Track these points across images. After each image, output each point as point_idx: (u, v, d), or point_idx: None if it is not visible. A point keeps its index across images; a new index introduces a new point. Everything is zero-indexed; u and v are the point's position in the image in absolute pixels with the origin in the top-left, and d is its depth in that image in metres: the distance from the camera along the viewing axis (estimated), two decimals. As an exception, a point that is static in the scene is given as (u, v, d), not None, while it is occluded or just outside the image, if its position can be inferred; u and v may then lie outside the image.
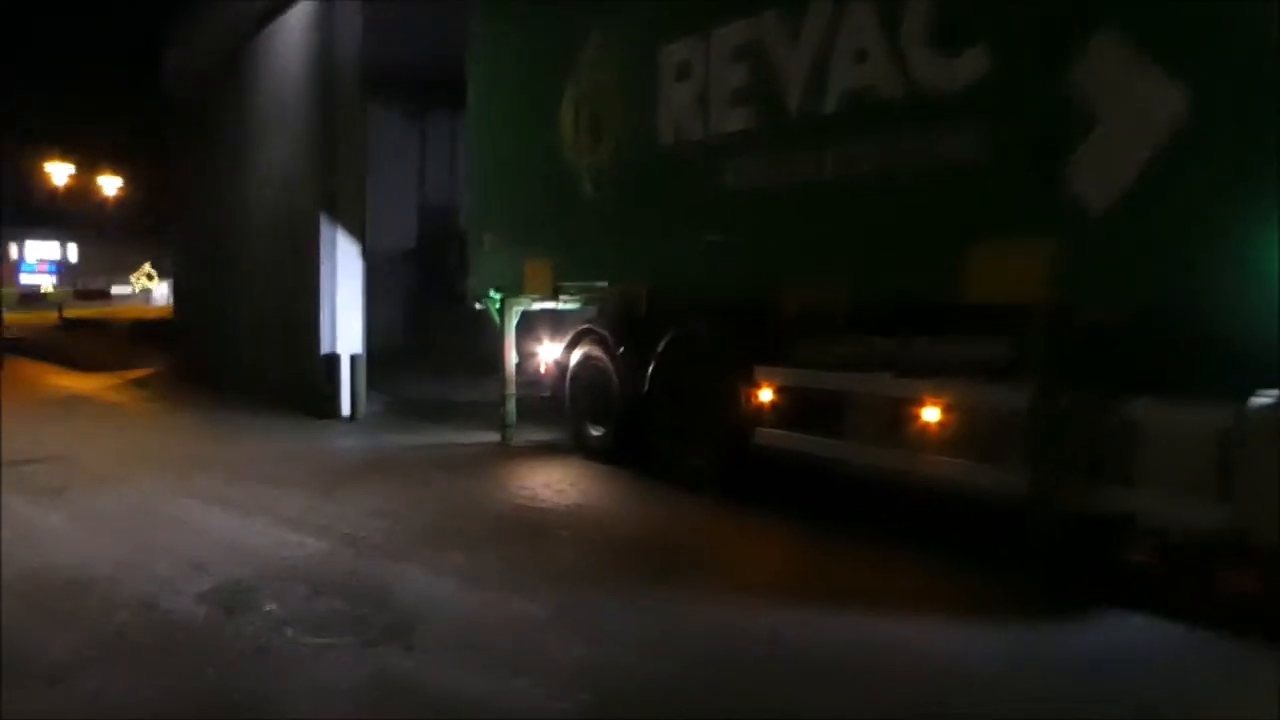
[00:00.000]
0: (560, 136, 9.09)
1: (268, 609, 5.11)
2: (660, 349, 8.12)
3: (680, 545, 6.49)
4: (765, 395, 7.14)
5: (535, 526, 6.92)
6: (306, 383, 11.62)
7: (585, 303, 9.58)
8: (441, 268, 16.83)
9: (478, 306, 10.66)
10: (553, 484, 8.16)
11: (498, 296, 10.17)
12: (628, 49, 8.32)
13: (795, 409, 6.97)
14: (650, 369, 8.23)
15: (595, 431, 9.07)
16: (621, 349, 8.67)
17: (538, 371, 10.01)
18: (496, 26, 10.18)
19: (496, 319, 10.29)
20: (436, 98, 15.12)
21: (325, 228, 11.31)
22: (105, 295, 48.79)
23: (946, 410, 5.87)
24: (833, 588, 5.54)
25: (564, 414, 9.56)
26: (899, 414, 6.18)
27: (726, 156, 7.28)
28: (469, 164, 10.62)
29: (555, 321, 10.28)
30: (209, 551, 6.10)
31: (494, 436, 10.18)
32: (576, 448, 9.30)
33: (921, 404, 6.01)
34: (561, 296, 9.45)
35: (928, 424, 5.98)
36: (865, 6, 6.21)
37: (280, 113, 12.25)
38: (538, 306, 10.06)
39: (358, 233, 11.51)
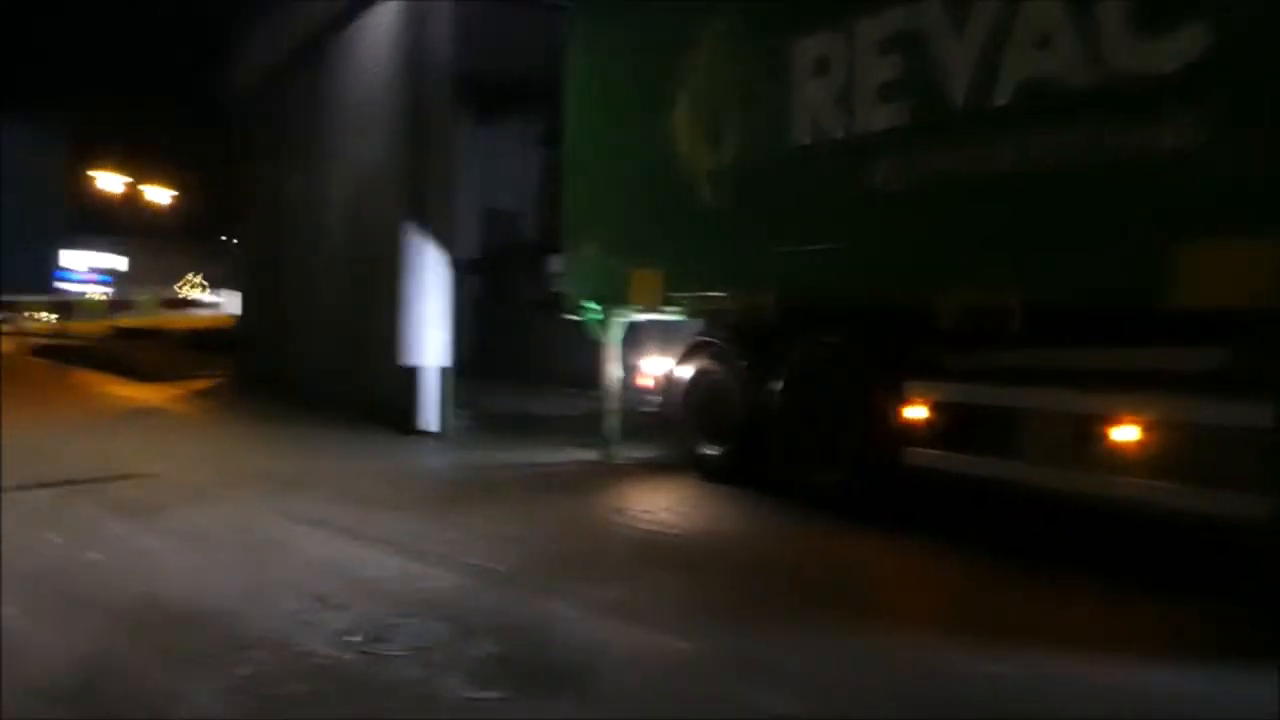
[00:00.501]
0: (673, 141, 8.58)
1: (417, 651, 4.60)
2: (791, 362, 7.57)
3: (838, 572, 5.93)
4: (917, 412, 6.57)
5: (674, 553, 6.39)
6: (386, 396, 11.17)
7: (693, 314, 9.05)
8: (508, 277, 16.45)
9: (573, 318, 10.19)
10: (674, 506, 7.64)
11: (597, 307, 9.69)
12: (751, 46, 7.81)
13: (954, 427, 6.40)
14: (779, 383, 7.68)
15: (711, 450, 8.52)
16: (744, 362, 8.13)
17: (643, 386, 9.49)
18: (596, 27, 9.73)
19: (595, 330, 9.82)
20: (502, 103, 14.72)
21: (412, 235, 10.85)
22: (192, 304, 48.01)
23: (1152, 427, 5.27)
24: (1028, 621, 4.97)
25: (673, 431, 9.03)
26: (1088, 432, 5.60)
27: (874, 154, 6.74)
28: (565, 171, 10.11)
29: (660, 334, 9.77)
30: (330, 582, 5.61)
31: (593, 454, 9.68)
32: (688, 466, 8.76)
33: (1120, 421, 5.41)
34: (671, 307, 8.93)
35: (1126, 443, 5.38)
36: None
37: (362, 115, 11.84)
38: (643, 318, 9.55)
39: (445, 242, 11.06)
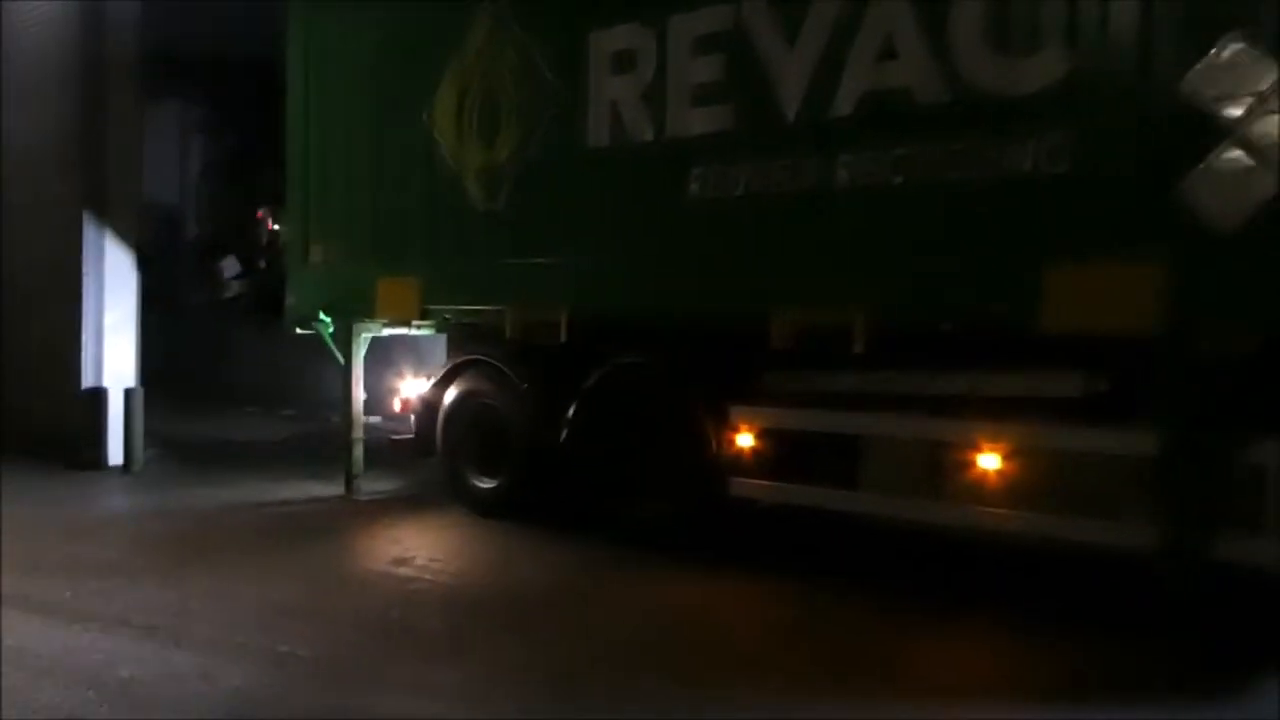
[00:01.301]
0: (435, 133, 7.62)
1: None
2: (589, 385, 6.89)
3: (679, 622, 5.31)
4: (744, 439, 6.14)
5: (486, 613, 5.48)
6: (52, 425, 9.15)
7: (454, 329, 8.12)
8: (170, 278, 14.44)
9: (299, 331, 8.86)
10: (460, 551, 6.74)
11: (327, 320, 8.46)
12: (534, 34, 7.03)
13: (785, 455, 6.05)
14: (572, 408, 6.97)
15: (483, 482, 7.63)
16: (524, 384, 7.32)
17: (390, 409, 8.40)
18: (327, 3, 8.48)
19: (331, 345, 8.58)
20: (162, 85, 12.77)
21: (90, 229, 8.94)
22: None
23: (1019, 454, 5.15)
24: (896, 666, 4.65)
25: (428, 461, 8.03)
26: (944, 460, 5.43)
27: (690, 161, 6.22)
28: (289, 166, 8.75)
29: (408, 350, 8.73)
30: (62, 692, 4.22)
31: (330, 488, 8.44)
32: (451, 500, 7.80)
33: (981, 447, 5.26)
34: (427, 321, 7.95)
35: (989, 471, 5.24)
36: (896, 5, 5.41)
37: (30, 86, 9.59)
38: (391, 332, 8.44)
39: (131, 237, 9.23)
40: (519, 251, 7.18)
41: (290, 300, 8.80)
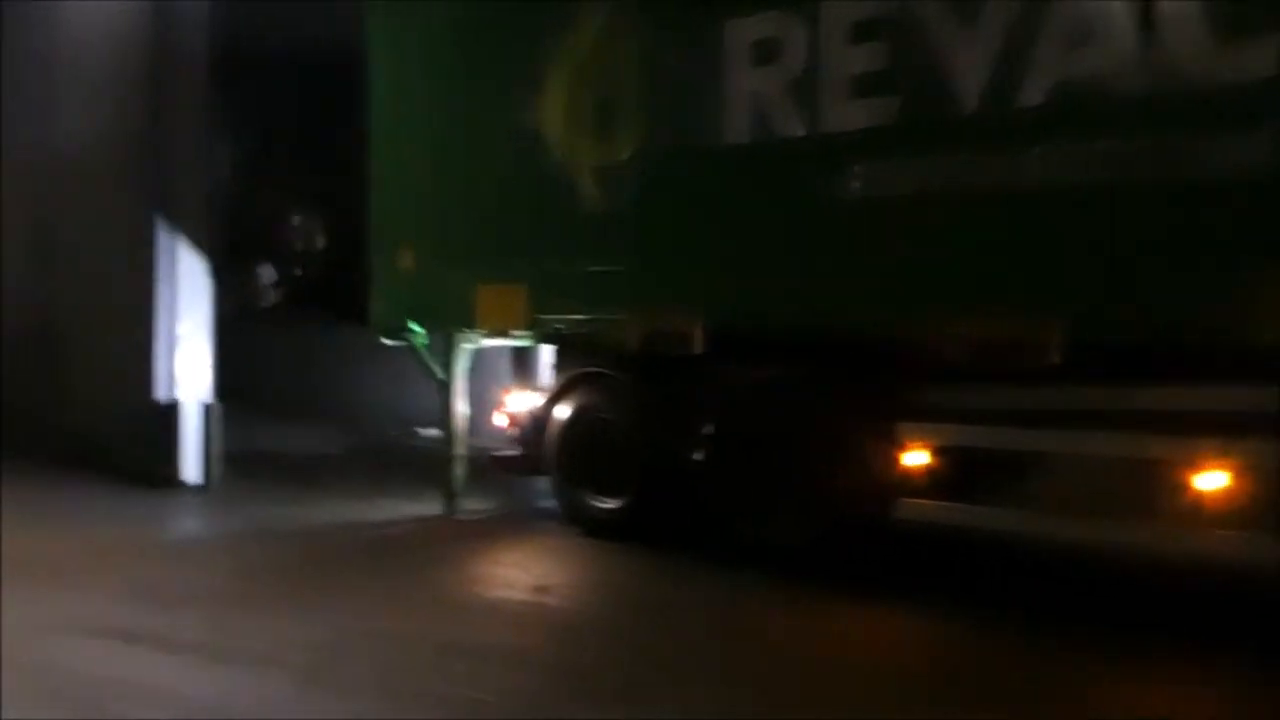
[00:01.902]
0: (540, 132, 7.21)
1: None
2: (728, 400, 6.47)
3: (872, 663, 4.91)
4: (914, 458, 5.74)
5: (645, 649, 5.00)
6: (122, 440, 8.73)
7: (567, 340, 7.66)
8: (250, 285, 14.00)
9: (388, 341, 8.45)
10: (590, 578, 6.36)
11: (420, 331, 8.06)
12: (661, 24, 6.63)
13: (961, 474, 5.63)
14: (710, 426, 6.55)
15: (603, 503, 7.20)
16: (651, 399, 6.91)
17: (493, 425, 7.98)
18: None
19: (424, 356, 8.18)
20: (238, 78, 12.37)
21: (161, 234, 8.51)
22: None
23: (1233, 472, 4.76)
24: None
25: (538, 479, 7.61)
26: (1143, 479, 5.03)
27: (848, 158, 5.82)
28: (374, 165, 8.34)
29: (508, 362, 8.32)
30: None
31: (424, 507, 8.04)
32: (568, 521, 7.39)
33: (1193, 466, 4.86)
34: (533, 331, 7.52)
35: (1199, 491, 4.85)
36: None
37: (93, 87, 9.15)
38: (491, 343, 8.03)
39: (203, 243, 8.80)
40: (642, 256, 6.78)
41: (376, 308, 8.39)
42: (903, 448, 5.78)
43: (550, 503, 7.77)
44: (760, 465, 6.38)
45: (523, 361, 8.14)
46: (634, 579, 6.31)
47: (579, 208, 7.06)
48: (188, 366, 8.71)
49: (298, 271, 15.39)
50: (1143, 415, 5.11)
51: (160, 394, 8.59)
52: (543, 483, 7.87)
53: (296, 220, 15.80)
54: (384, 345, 13.17)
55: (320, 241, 16.10)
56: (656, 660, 4.90)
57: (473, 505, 8.01)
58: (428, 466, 10.19)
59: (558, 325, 7.34)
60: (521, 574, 6.39)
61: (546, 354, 8.11)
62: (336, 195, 15.03)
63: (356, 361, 13.23)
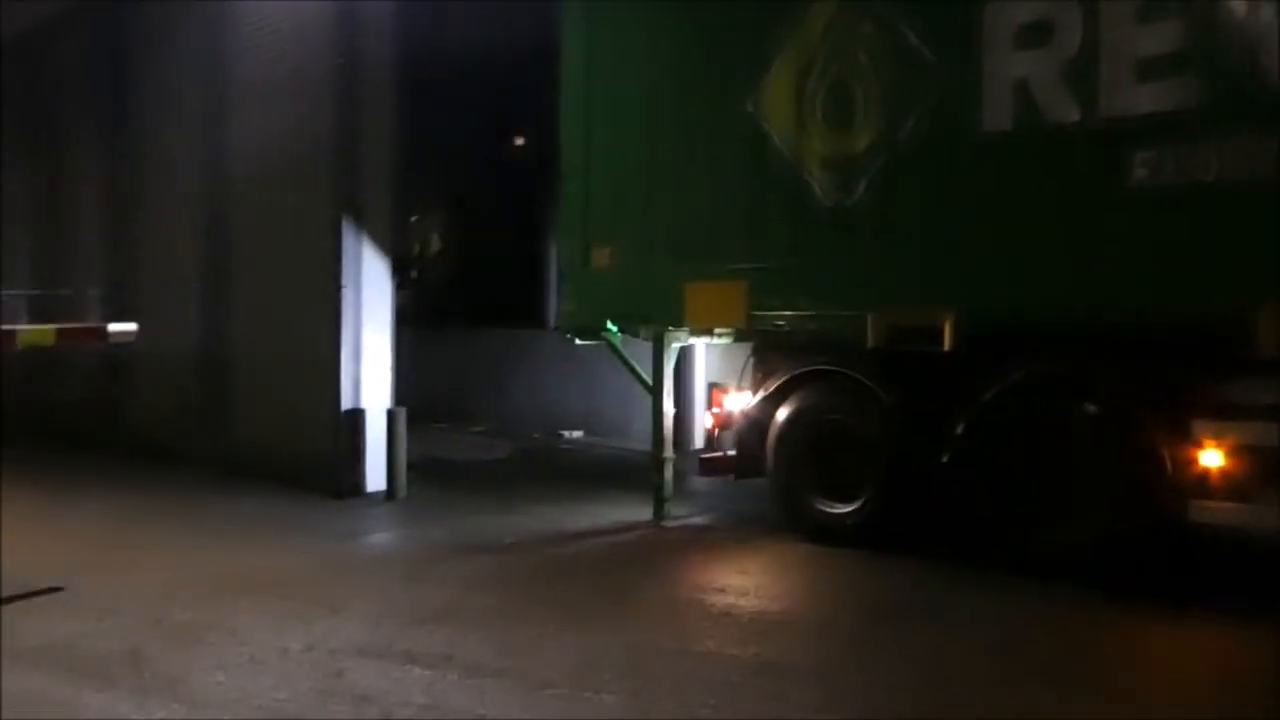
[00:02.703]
0: (763, 123, 7.07)
1: None
2: (987, 398, 6.24)
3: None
4: (1210, 457, 5.49)
5: (921, 663, 4.79)
6: (314, 449, 8.65)
7: (788, 336, 7.42)
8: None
9: (579, 341, 8.34)
10: (831, 588, 6.10)
11: (615, 329, 7.93)
12: (908, 8, 6.42)
13: (1262, 475, 5.37)
14: (961, 425, 6.33)
15: (832, 508, 7.01)
16: (892, 398, 6.69)
17: (705, 428, 7.81)
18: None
19: (624, 356, 8.08)
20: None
21: (349, 239, 8.42)
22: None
23: None
24: None
25: (769, 484, 7.39)
26: None
27: (1134, 144, 5.58)
28: (565, 162, 8.24)
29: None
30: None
31: (630, 512, 7.89)
32: (790, 527, 7.18)
33: None
34: (757, 327, 7.32)
35: None
36: None
37: (267, 89, 9.11)
38: (703, 341, 7.89)
39: (387, 245, 8.71)
40: (883, 250, 6.59)
41: (568, 307, 8.32)
42: (1198, 446, 5.54)
43: (760, 507, 7.62)
44: (1015, 466, 6.15)
45: (734, 362, 7.92)
46: (876, 589, 6.06)
47: (808, 201, 6.89)
48: (373, 373, 8.61)
49: (414, 275, 15.39)
50: None
51: (346, 402, 8.48)
52: (751, 486, 7.69)
53: (414, 223, 15.82)
54: (519, 347, 13.37)
55: (437, 244, 16.12)
56: (949, 669, 4.70)
57: (679, 510, 7.83)
58: (604, 469, 10.27)
59: (779, 322, 7.15)
60: (750, 581, 6.22)
61: (751, 353, 7.91)
62: (461, 197, 15.13)
63: (492, 364, 13.21)
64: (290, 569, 6.47)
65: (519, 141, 13.84)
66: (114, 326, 6.52)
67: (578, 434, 12.40)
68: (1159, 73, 5.53)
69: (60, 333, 6.13)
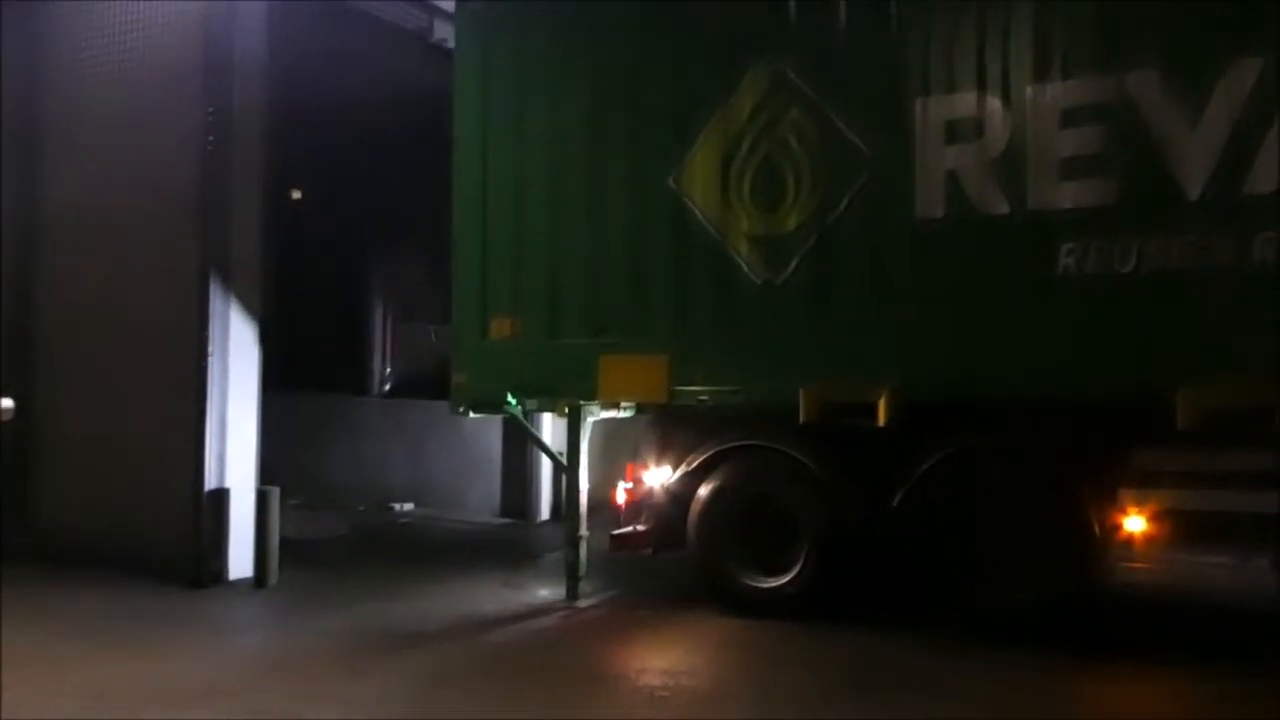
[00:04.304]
0: (685, 199, 7.33)
1: None
2: (924, 469, 6.71)
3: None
4: (1134, 524, 6.20)
5: None
6: (166, 532, 7.91)
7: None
8: None
9: (469, 414, 8.22)
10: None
11: (515, 402, 7.87)
12: (835, 98, 6.90)
13: (1182, 537, 6.15)
14: (898, 496, 6.76)
15: (761, 581, 7.24)
16: (824, 470, 7.03)
17: (615, 501, 7.82)
18: (520, 38, 8.06)
19: (528, 428, 8.10)
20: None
21: (216, 298, 7.84)
22: None
23: None
24: None
25: (694, 558, 7.51)
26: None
27: (1060, 235, 6.28)
28: (457, 227, 8.14)
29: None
30: None
31: (525, 594, 7.78)
32: (718, 601, 7.33)
33: None
34: (678, 401, 7.44)
35: None
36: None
37: (106, 127, 8.34)
38: (607, 415, 7.94)
39: (255, 306, 8.16)
40: (816, 327, 6.98)
41: (461, 379, 8.13)
42: (1123, 512, 6.25)
43: (664, 582, 7.76)
44: (963, 535, 6.65)
45: (647, 436, 7.99)
46: (830, 658, 6.35)
47: (735, 277, 7.19)
48: (238, 449, 8.02)
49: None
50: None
51: (209, 480, 7.85)
52: (661, 562, 7.81)
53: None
54: (340, 413, 12.75)
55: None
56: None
57: (585, 587, 7.79)
58: (465, 544, 10.02)
59: (702, 397, 7.37)
60: (688, 660, 6.39)
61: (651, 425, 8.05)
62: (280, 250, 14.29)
63: (309, 430, 12.53)
64: (210, 673, 5.93)
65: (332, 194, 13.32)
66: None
67: (408, 506, 12.04)
68: (1081, 172, 6.30)
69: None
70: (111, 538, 8.16)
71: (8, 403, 5.83)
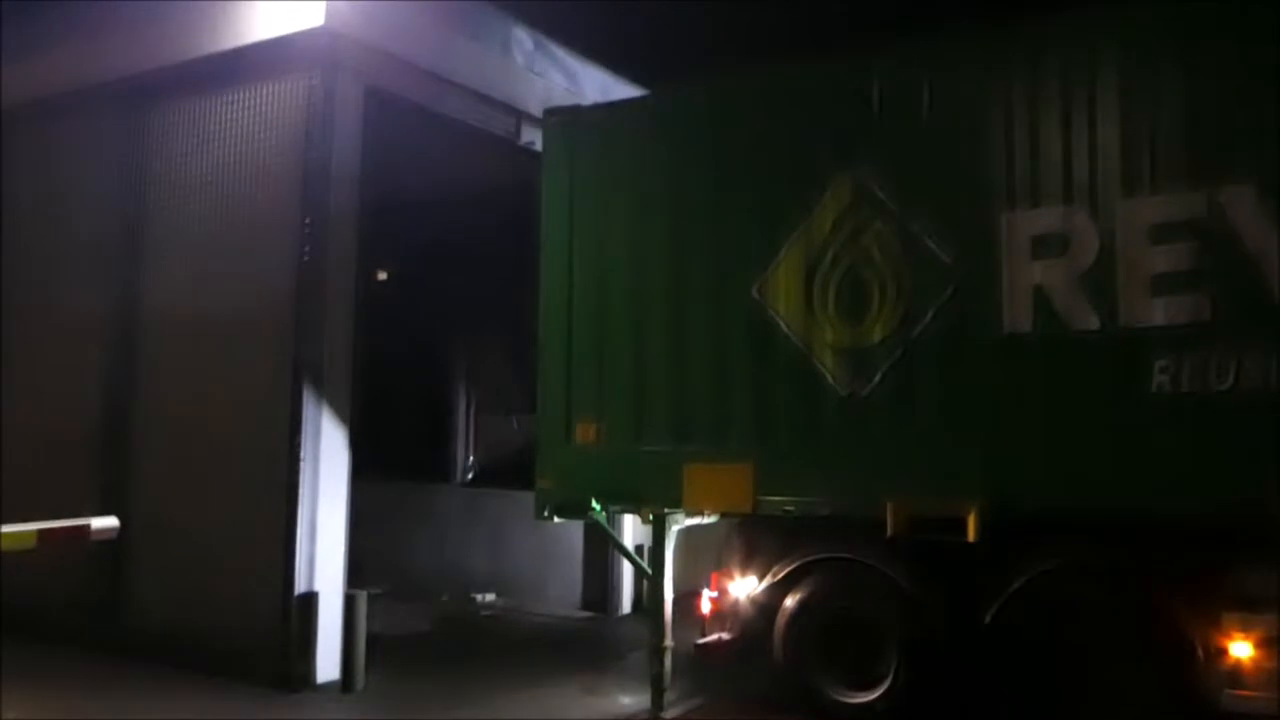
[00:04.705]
0: (770, 309, 7.41)
1: None
2: (1018, 587, 6.62)
3: None
4: (1240, 648, 6.03)
5: None
6: (258, 635, 8.10)
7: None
8: None
9: (556, 519, 8.29)
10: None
11: (599, 508, 7.95)
12: (918, 210, 6.95)
13: (1291, 666, 5.97)
14: (992, 612, 6.67)
15: (850, 697, 7.19)
16: (912, 586, 6.98)
17: (700, 610, 7.83)
18: (612, 149, 8.24)
19: (612, 534, 8.19)
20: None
21: (308, 405, 8.10)
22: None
23: None
24: None
25: (779, 671, 7.51)
26: None
27: (1152, 351, 6.22)
28: (544, 330, 8.29)
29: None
30: None
31: (613, 700, 7.79)
32: (807, 715, 7.28)
33: None
34: (763, 511, 7.46)
35: None
36: None
37: (216, 236, 8.74)
38: (691, 521, 7.97)
39: (345, 410, 8.40)
40: (902, 439, 6.95)
41: (546, 484, 8.21)
42: (1228, 637, 6.09)
43: (741, 690, 7.72)
44: (1061, 656, 6.53)
45: (731, 544, 8.00)
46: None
47: (820, 388, 7.22)
48: (327, 553, 8.21)
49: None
50: None
51: (300, 584, 8.04)
52: (746, 670, 7.78)
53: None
54: (421, 501, 12.95)
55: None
56: None
57: (678, 702, 7.78)
58: (548, 642, 10.08)
59: (787, 508, 7.36)
60: None
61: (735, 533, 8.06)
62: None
63: (390, 519, 12.71)
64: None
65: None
66: (97, 523, 6.00)
67: (490, 596, 12.13)
68: (1172, 288, 6.24)
69: (41, 535, 5.59)
70: (201, 638, 8.36)
71: (113, 521, 6.05)
